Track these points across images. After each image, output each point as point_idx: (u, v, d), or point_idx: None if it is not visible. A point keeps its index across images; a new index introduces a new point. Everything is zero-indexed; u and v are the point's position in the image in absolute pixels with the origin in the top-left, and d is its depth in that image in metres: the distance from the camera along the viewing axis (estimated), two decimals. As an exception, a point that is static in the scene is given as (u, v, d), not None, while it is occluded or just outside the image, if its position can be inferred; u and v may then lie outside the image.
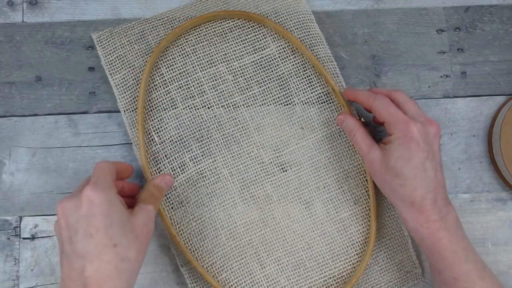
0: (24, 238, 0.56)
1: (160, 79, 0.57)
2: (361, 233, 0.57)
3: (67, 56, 0.58)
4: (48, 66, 0.58)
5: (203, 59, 0.58)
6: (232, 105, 0.57)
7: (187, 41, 0.58)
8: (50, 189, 0.56)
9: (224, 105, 0.57)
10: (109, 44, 0.57)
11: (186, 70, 0.57)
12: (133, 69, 0.57)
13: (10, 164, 0.56)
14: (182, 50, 0.58)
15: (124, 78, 0.57)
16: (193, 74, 0.57)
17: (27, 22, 0.59)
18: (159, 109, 0.56)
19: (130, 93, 0.57)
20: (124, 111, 0.56)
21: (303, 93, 0.58)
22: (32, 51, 0.58)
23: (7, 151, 0.57)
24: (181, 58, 0.58)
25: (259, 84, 0.58)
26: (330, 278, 0.55)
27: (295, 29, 0.59)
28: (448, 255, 0.48)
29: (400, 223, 0.57)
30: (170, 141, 0.56)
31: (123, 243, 0.43)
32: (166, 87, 0.57)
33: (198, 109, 0.57)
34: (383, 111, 0.50)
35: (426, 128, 0.49)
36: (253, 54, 0.58)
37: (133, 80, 0.57)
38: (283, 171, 0.57)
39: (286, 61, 0.58)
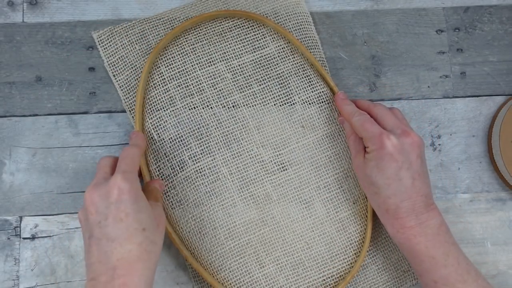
0: (24, 238, 0.56)
1: (159, 77, 0.57)
2: (359, 233, 0.57)
3: (67, 56, 0.58)
4: (48, 66, 0.58)
5: (202, 58, 0.58)
6: (232, 104, 0.57)
7: (186, 41, 0.58)
8: (50, 189, 0.56)
9: (223, 103, 0.57)
10: (110, 45, 0.58)
11: (185, 68, 0.58)
12: (135, 69, 0.57)
13: (10, 164, 0.57)
14: (182, 49, 0.58)
15: (127, 79, 0.57)
16: (192, 73, 0.57)
17: (27, 22, 0.59)
18: (158, 108, 0.57)
19: (134, 93, 0.57)
20: (130, 112, 0.57)
21: (304, 91, 0.58)
22: (32, 51, 0.58)
23: (7, 151, 0.57)
24: (180, 57, 0.58)
25: (258, 82, 0.58)
26: (329, 277, 0.56)
27: (293, 30, 0.59)
28: (425, 259, 0.49)
29: None
30: (169, 139, 0.56)
31: (151, 228, 0.46)
32: (165, 85, 0.57)
33: (197, 107, 0.57)
34: (359, 127, 0.53)
35: (401, 139, 0.51)
36: (252, 53, 0.58)
37: (135, 80, 0.57)
38: (283, 170, 0.57)
39: (286, 60, 0.59)
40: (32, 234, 0.56)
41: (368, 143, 0.52)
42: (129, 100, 0.57)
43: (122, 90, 0.57)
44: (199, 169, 0.56)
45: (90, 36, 0.59)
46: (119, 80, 0.57)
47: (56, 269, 0.55)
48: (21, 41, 0.58)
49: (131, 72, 0.57)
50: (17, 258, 0.55)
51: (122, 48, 0.57)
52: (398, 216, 0.50)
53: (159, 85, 0.57)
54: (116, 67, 0.57)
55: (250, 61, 0.58)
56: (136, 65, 0.57)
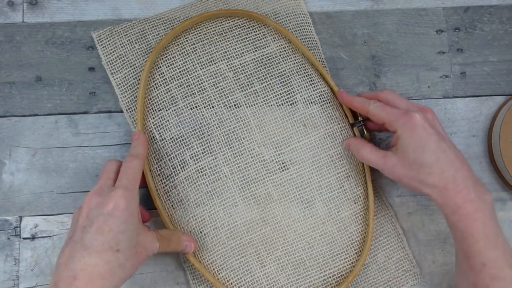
0: (24, 238, 0.56)
1: (160, 77, 0.57)
2: (360, 232, 0.57)
3: (67, 56, 0.58)
4: (48, 66, 0.58)
5: (203, 57, 0.58)
6: (233, 102, 0.57)
7: (187, 40, 0.58)
8: (50, 189, 0.56)
9: (225, 102, 0.57)
10: (109, 44, 0.58)
11: (187, 68, 0.57)
12: (134, 68, 0.57)
13: (10, 164, 0.57)
14: (182, 49, 0.58)
15: (125, 77, 0.57)
16: (193, 72, 0.57)
17: (27, 22, 0.59)
18: (159, 107, 0.56)
19: (132, 92, 0.57)
20: (126, 110, 0.57)
21: (305, 90, 0.58)
22: (32, 51, 0.58)
23: (7, 151, 0.57)
24: (181, 57, 0.58)
25: (260, 81, 0.58)
26: (330, 277, 0.56)
27: (293, 31, 0.59)
28: (480, 238, 0.47)
29: (395, 222, 0.57)
30: (170, 139, 0.56)
31: (126, 252, 0.46)
32: (166, 85, 0.57)
33: (198, 106, 0.57)
34: (380, 112, 0.52)
35: (424, 114, 0.51)
36: (254, 52, 0.58)
37: (134, 79, 0.57)
38: (285, 170, 0.57)
39: (287, 59, 0.59)
40: (32, 234, 0.56)
41: (396, 126, 0.50)
42: (126, 98, 0.57)
43: (119, 88, 0.57)
44: (201, 169, 0.56)
45: (90, 36, 0.59)
46: (117, 78, 0.57)
47: (56, 269, 0.55)
48: (21, 41, 0.58)
49: (130, 70, 0.57)
50: (17, 258, 0.55)
51: (121, 47, 0.57)
52: (458, 188, 0.48)
53: (160, 84, 0.57)
54: (114, 65, 0.57)
55: (252, 60, 0.58)
56: (135, 64, 0.57)
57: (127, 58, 0.57)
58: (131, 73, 0.57)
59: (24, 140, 0.57)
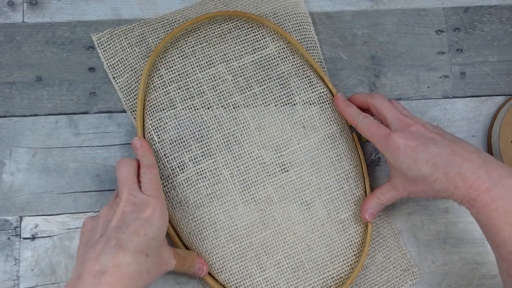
0: (24, 238, 0.56)
1: (159, 80, 0.57)
2: (359, 234, 0.57)
3: (67, 57, 0.58)
4: (48, 66, 0.58)
5: (202, 60, 0.58)
6: (232, 105, 0.57)
7: (186, 43, 0.58)
8: (51, 189, 0.56)
9: (224, 105, 0.57)
10: (110, 47, 0.58)
11: (186, 71, 0.57)
12: (135, 71, 0.57)
13: (10, 164, 0.57)
14: (181, 52, 0.58)
15: (127, 81, 0.57)
16: (192, 75, 0.57)
17: (28, 22, 0.59)
18: (158, 109, 0.56)
19: (135, 95, 0.57)
20: (131, 113, 0.57)
21: (304, 92, 0.58)
22: (33, 51, 0.58)
23: (7, 151, 0.57)
24: (180, 60, 0.58)
25: (259, 83, 0.58)
26: (329, 279, 0.55)
27: (293, 31, 0.59)
28: (504, 227, 0.45)
29: (391, 221, 0.58)
30: (169, 141, 0.56)
31: (153, 258, 0.47)
32: (165, 88, 0.57)
33: (197, 109, 0.57)
34: (366, 131, 0.53)
35: (406, 131, 0.50)
36: (252, 54, 0.58)
37: (135, 82, 0.57)
38: (284, 172, 0.57)
39: (286, 60, 0.59)
40: (32, 234, 0.56)
41: (379, 148, 0.52)
42: (130, 102, 0.57)
43: (122, 92, 0.57)
44: (200, 171, 0.56)
45: (90, 36, 0.59)
46: (119, 82, 0.57)
47: (56, 269, 0.55)
48: (21, 41, 0.58)
49: (131, 74, 0.57)
50: (17, 258, 0.55)
51: (122, 51, 0.57)
52: (469, 183, 0.47)
53: (159, 87, 0.57)
54: (115, 69, 0.57)
55: (250, 62, 0.58)
56: (136, 67, 0.57)
57: (128, 61, 0.57)
58: (132, 76, 0.57)
59: (24, 140, 0.57)
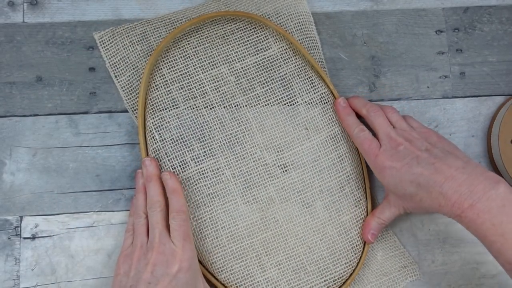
0: (24, 238, 0.56)
1: (161, 79, 0.57)
2: (360, 236, 0.57)
3: (67, 57, 0.59)
4: (48, 66, 0.58)
5: (205, 60, 0.58)
6: (235, 106, 0.57)
7: (188, 43, 0.58)
8: (51, 189, 0.56)
9: (226, 106, 0.57)
10: (112, 45, 0.58)
11: (188, 71, 0.57)
12: (137, 70, 0.57)
13: (10, 164, 0.57)
14: (184, 52, 0.58)
15: (129, 80, 0.57)
16: (195, 76, 0.57)
17: (28, 22, 0.59)
18: (160, 108, 0.56)
19: (136, 94, 0.57)
20: (133, 112, 0.57)
21: (307, 93, 0.58)
22: (33, 51, 0.58)
23: (7, 151, 0.57)
24: (182, 60, 0.58)
25: (262, 84, 0.58)
26: (331, 282, 0.55)
27: (295, 30, 0.59)
28: (495, 239, 0.45)
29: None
30: (171, 140, 0.56)
31: None
32: (167, 87, 0.57)
33: (200, 109, 0.57)
34: (358, 145, 0.55)
35: (393, 152, 0.51)
36: (255, 55, 0.58)
37: (137, 81, 0.57)
38: (286, 173, 0.57)
39: (289, 62, 0.59)
40: (33, 234, 0.56)
41: (369, 165, 0.54)
42: (131, 100, 0.57)
43: (124, 91, 0.57)
44: (202, 171, 0.56)
45: (90, 36, 0.59)
46: (121, 81, 0.57)
47: (56, 269, 0.55)
48: (22, 41, 0.58)
49: (133, 73, 0.57)
50: (17, 257, 0.55)
51: (124, 49, 0.57)
52: (451, 200, 0.47)
53: (161, 86, 0.57)
54: (117, 68, 0.57)
55: (253, 63, 0.58)
56: (137, 66, 0.57)
57: (129, 60, 0.57)
58: (134, 75, 0.57)
59: (25, 140, 0.57)
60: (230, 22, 0.59)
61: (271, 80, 0.58)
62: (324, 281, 0.55)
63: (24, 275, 0.55)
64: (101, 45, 0.58)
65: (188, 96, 0.57)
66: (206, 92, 0.57)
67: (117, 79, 0.57)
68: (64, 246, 0.56)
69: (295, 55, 0.59)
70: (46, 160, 0.57)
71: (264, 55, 0.58)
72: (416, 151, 0.51)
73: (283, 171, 0.57)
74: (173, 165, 0.55)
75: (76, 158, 0.57)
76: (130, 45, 0.57)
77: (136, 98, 0.57)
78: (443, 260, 0.58)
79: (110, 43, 0.58)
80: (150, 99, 0.57)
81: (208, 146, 0.56)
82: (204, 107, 0.57)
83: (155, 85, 0.57)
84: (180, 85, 0.57)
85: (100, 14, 0.59)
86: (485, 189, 0.46)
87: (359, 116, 0.57)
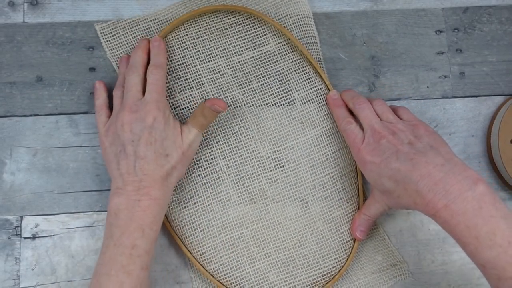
0: (25, 238, 0.56)
1: None
2: (351, 232, 0.57)
3: (68, 57, 0.59)
4: (49, 66, 0.58)
5: (203, 53, 0.58)
6: (231, 99, 0.58)
7: (187, 35, 0.58)
8: (51, 189, 0.57)
9: (222, 98, 0.57)
10: (114, 38, 0.58)
11: (185, 62, 0.58)
12: None
13: (11, 163, 0.57)
14: (182, 43, 0.58)
15: None
16: (192, 67, 0.58)
17: (28, 22, 0.59)
18: None
19: None
20: None
21: (303, 89, 0.58)
22: (33, 52, 0.58)
23: (8, 151, 0.57)
24: (180, 51, 0.58)
25: (258, 79, 0.58)
26: (319, 276, 0.56)
27: (294, 26, 0.59)
28: (468, 241, 0.44)
29: (376, 222, 0.58)
30: None
31: (173, 155, 0.51)
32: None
33: (196, 100, 0.57)
34: (345, 139, 0.56)
35: (375, 145, 0.51)
36: (252, 50, 0.59)
37: None
38: (280, 167, 0.57)
39: (286, 57, 0.59)
40: (33, 234, 0.56)
41: (354, 158, 0.54)
42: None
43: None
44: (196, 161, 0.56)
45: (90, 37, 0.59)
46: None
47: (56, 268, 0.55)
48: (22, 41, 0.59)
49: None
50: (17, 257, 0.55)
51: (127, 43, 0.58)
52: (426, 199, 0.46)
53: None
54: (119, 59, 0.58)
55: (250, 58, 0.58)
56: None
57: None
58: None
59: (25, 140, 0.57)
60: (229, 15, 0.59)
61: (267, 75, 0.58)
62: (313, 275, 0.56)
63: (24, 275, 0.55)
64: (102, 36, 0.58)
65: (185, 87, 0.57)
66: (202, 84, 0.57)
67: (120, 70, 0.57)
68: (64, 246, 0.56)
69: (292, 51, 0.59)
70: (46, 160, 0.57)
71: (261, 50, 0.59)
72: (398, 144, 0.50)
73: (277, 164, 0.57)
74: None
75: (76, 158, 0.57)
76: (135, 41, 0.58)
77: None
78: (442, 260, 0.58)
79: (112, 36, 0.58)
80: None
81: (203, 136, 0.56)
82: (200, 98, 0.57)
83: None
84: (177, 75, 0.57)
85: (100, 14, 0.59)
86: (462, 190, 0.45)
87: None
